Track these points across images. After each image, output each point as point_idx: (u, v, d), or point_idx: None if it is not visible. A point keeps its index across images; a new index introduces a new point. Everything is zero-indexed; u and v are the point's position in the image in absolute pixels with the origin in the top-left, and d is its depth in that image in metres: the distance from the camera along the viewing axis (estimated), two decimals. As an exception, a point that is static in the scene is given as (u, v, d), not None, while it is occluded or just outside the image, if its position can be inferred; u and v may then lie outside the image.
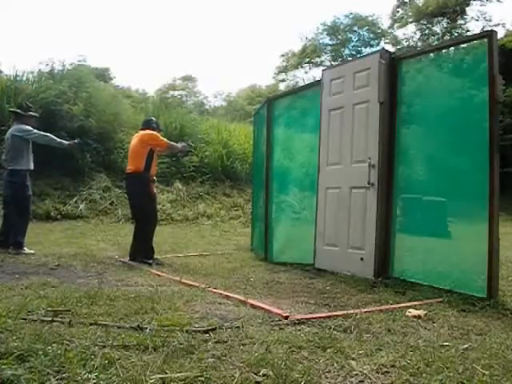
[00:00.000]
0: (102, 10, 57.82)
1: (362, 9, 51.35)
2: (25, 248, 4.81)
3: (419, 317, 2.51)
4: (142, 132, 4.85)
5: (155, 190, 4.92)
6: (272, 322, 2.34)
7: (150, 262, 4.45)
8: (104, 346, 1.79)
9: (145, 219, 4.67)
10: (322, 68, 5.42)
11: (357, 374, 1.66)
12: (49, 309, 2.38)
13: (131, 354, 1.74)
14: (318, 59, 28.81)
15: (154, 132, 4.79)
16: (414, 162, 3.74)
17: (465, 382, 1.59)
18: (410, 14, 24.05)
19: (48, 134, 5.09)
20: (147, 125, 4.92)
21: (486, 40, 3.08)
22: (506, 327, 2.37)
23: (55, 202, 8.75)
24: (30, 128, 4.97)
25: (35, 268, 3.99)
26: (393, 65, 3.78)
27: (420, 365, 1.73)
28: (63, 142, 5.23)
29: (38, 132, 5.06)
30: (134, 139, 4.88)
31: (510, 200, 11.82)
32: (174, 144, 5.16)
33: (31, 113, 5.14)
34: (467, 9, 22.52)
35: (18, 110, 5.19)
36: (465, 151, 3.30)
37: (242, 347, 1.90)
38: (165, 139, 4.91)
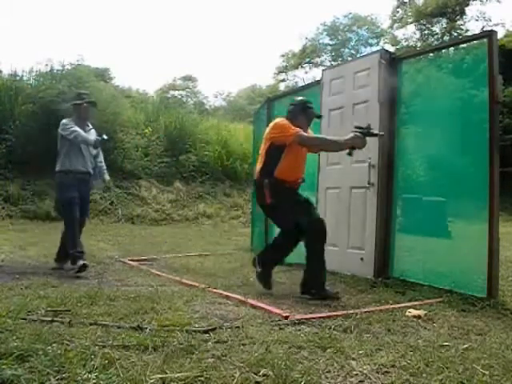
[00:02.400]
0: (101, 9, 57.84)
1: (361, 9, 51.43)
2: (80, 261, 3.85)
3: (419, 317, 2.51)
4: None
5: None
6: (272, 322, 2.34)
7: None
8: (104, 346, 1.79)
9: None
10: (321, 68, 5.43)
11: (357, 374, 1.66)
12: (49, 309, 2.38)
13: (131, 354, 1.74)
14: (317, 59, 28.84)
15: (283, 120, 3.31)
16: (414, 162, 3.74)
17: (465, 382, 1.59)
18: (409, 14, 24.04)
19: (76, 130, 4.09)
20: (288, 112, 3.44)
21: (485, 40, 3.08)
22: (506, 327, 2.37)
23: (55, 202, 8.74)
24: (65, 121, 4.15)
25: (35, 268, 4.00)
26: (393, 65, 3.78)
27: (420, 365, 1.73)
28: (89, 140, 4.23)
29: (70, 128, 4.10)
30: None
31: (510, 200, 11.83)
32: (323, 138, 3.63)
33: (77, 101, 4.26)
34: (467, 9, 22.55)
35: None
36: (465, 151, 3.30)
37: (241, 347, 1.90)
38: (299, 132, 3.21)
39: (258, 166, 3.36)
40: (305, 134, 3.24)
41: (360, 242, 3.90)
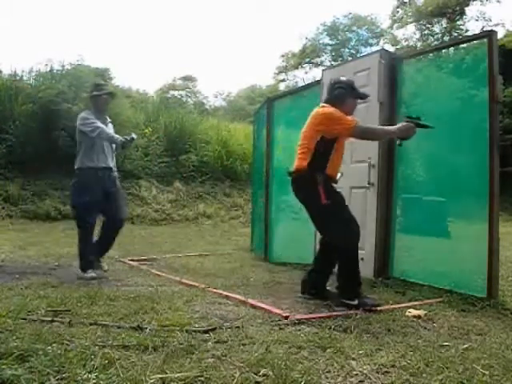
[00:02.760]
0: (101, 9, 57.84)
1: (361, 9, 51.44)
2: (88, 271, 3.61)
3: (419, 317, 2.51)
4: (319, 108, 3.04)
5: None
6: (272, 321, 2.34)
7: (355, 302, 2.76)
8: (104, 346, 1.79)
9: (334, 240, 2.95)
10: (321, 68, 5.43)
11: (357, 374, 1.66)
12: (49, 309, 2.38)
13: (131, 354, 1.74)
14: (317, 59, 28.82)
15: (332, 109, 2.91)
16: (414, 161, 3.74)
17: (465, 382, 1.59)
18: (409, 14, 24.04)
19: (100, 125, 3.73)
20: (329, 93, 3.08)
21: (485, 40, 3.08)
22: (506, 327, 2.37)
23: (55, 202, 8.73)
24: (85, 115, 3.79)
25: (35, 268, 4.00)
26: (393, 65, 3.78)
27: (420, 365, 1.73)
28: (115, 138, 3.80)
29: (92, 123, 3.71)
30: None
31: (510, 200, 11.83)
32: (374, 127, 3.25)
33: (95, 93, 3.88)
34: (467, 9, 22.53)
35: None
36: (465, 151, 3.30)
37: (241, 347, 1.90)
38: (351, 120, 2.88)
39: (303, 160, 2.90)
40: (362, 124, 2.88)
41: (360, 242, 3.88)
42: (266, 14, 59.78)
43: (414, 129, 2.83)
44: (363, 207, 3.87)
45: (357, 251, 2.86)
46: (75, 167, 3.84)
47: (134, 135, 3.83)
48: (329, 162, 2.89)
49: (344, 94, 2.95)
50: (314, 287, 3.06)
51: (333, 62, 25.91)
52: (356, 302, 2.73)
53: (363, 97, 3.11)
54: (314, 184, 2.83)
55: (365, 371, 1.68)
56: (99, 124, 3.72)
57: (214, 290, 3.13)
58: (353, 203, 4.00)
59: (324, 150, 2.87)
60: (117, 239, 4.05)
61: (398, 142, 2.98)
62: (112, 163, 3.91)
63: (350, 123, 2.81)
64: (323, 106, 2.98)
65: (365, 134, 2.95)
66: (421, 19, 23.32)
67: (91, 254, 3.72)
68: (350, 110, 2.96)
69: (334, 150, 2.89)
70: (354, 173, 3.97)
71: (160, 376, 1.53)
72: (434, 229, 3.53)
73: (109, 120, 3.99)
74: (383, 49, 4.37)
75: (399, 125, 2.87)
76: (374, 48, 24.54)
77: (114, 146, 3.94)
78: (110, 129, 3.91)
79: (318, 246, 3.25)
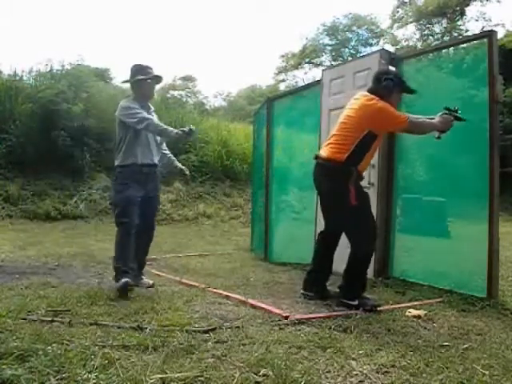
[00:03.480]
0: (101, 9, 57.80)
1: (361, 9, 51.41)
2: (123, 278, 2.97)
3: (419, 317, 2.51)
4: (364, 97, 2.87)
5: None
6: (272, 321, 2.34)
7: (356, 303, 2.73)
8: (104, 346, 1.80)
9: (355, 241, 2.88)
10: (321, 68, 5.44)
11: (357, 374, 1.66)
12: (49, 309, 2.38)
13: (131, 354, 1.75)
14: (317, 59, 28.82)
15: (381, 102, 2.76)
16: (414, 162, 3.74)
17: (465, 382, 1.59)
18: (409, 14, 24.04)
19: (147, 116, 3.26)
20: (376, 82, 2.91)
21: (485, 40, 3.08)
22: (506, 327, 2.37)
23: (55, 202, 8.73)
24: (127, 104, 3.29)
25: (35, 268, 3.99)
26: (393, 65, 3.78)
27: (420, 365, 1.74)
28: (168, 131, 3.24)
29: (137, 113, 3.22)
30: (349, 107, 2.94)
31: (510, 200, 11.83)
32: (423, 121, 2.96)
33: (140, 76, 3.32)
34: (467, 9, 22.54)
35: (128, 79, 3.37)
36: (465, 151, 3.30)
37: (241, 347, 1.90)
38: (401, 115, 2.83)
39: (341, 151, 2.74)
40: (412, 118, 2.77)
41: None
42: (266, 14, 59.78)
43: (453, 121, 2.75)
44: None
45: (371, 256, 2.84)
46: (116, 164, 3.32)
47: (192, 127, 3.23)
48: (364, 159, 2.79)
49: (393, 87, 2.83)
50: (314, 287, 3.05)
51: (333, 62, 25.90)
52: (356, 303, 2.71)
53: (411, 92, 3.00)
54: (347, 180, 2.72)
55: (365, 371, 1.68)
56: (146, 114, 3.25)
57: (214, 290, 3.13)
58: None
59: (365, 145, 2.75)
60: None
61: (436, 135, 2.79)
62: (156, 159, 3.42)
63: (404, 119, 2.73)
64: (371, 98, 2.79)
65: (415, 129, 2.83)
66: (421, 19, 23.32)
67: (127, 260, 3.12)
68: (395, 103, 2.86)
69: (372, 147, 2.81)
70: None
71: (160, 376, 1.53)
72: (434, 229, 3.53)
73: (152, 109, 3.52)
74: (383, 49, 4.37)
75: (439, 117, 2.76)
76: (374, 48, 24.56)
77: (158, 139, 3.46)
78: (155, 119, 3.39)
79: (317, 239, 3.17)
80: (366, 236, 2.81)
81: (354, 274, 2.84)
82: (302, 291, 3.08)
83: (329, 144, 2.87)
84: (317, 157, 2.93)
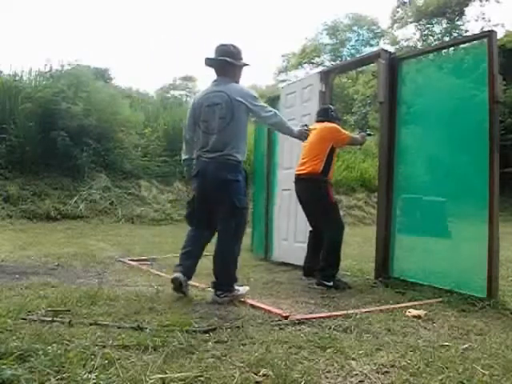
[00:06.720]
0: (101, 10, 57.82)
1: (361, 9, 51.41)
2: (237, 288, 2.91)
3: (419, 317, 2.51)
4: (320, 125, 3.76)
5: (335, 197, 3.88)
6: (272, 322, 2.34)
7: (330, 284, 3.43)
8: (104, 346, 1.80)
9: (329, 230, 3.61)
10: (321, 68, 5.48)
11: (357, 374, 1.66)
12: (49, 309, 2.38)
13: (131, 354, 1.75)
14: (317, 59, 28.80)
15: (334, 124, 3.75)
16: (414, 162, 3.74)
17: (465, 382, 1.59)
18: (409, 14, 24.02)
19: (275, 111, 3.00)
20: (325, 115, 3.86)
21: (485, 40, 3.08)
22: (506, 327, 2.37)
23: (55, 202, 8.72)
24: (251, 92, 2.94)
25: (35, 268, 3.99)
26: (392, 65, 3.78)
27: (420, 365, 1.73)
28: (291, 128, 3.05)
29: (266, 106, 2.99)
30: (312, 135, 3.50)
31: (510, 200, 11.84)
32: (355, 136, 3.99)
33: (244, 61, 3.03)
34: (467, 9, 22.52)
35: (228, 59, 2.93)
36: (465, 151, 3.30)
37: (241, 347, 1.90)
38: (346, 132, 3.91)
39: (316, 165, 3.65)
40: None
41: (360, 242, 3.90)
42: (265, 14, 59.81)
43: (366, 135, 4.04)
44: (363, 207, 3.88)
45: (342, 243, 3.63)
46: (239, 159, 2.87)
47: (308, 125, 3.22)
48: (331, 168, 3.72)
49: (334, 115, 3.92)
50: (310, 271, 3.76)
51: (332, 62, 25.87)
52: (331, 284, 3.40)
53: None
54: (324, 186, 3.66)
55: (365, 371, 1.68)
56: (272, 109, 2.99)
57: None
58: (353, 203, 4.01)
59: (330, 156, 3.69)
60: (116, 239, 4.03)
61: (358, 147, 4.10)
62: None
63: (347, 134, 3.88)
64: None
65: (353, 142, 4.00)
66: (421, 19, 23.30)
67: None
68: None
69: (333, 156, 3.74)
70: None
71: (160, 376, 1.53)
72: (434, 229, 3.53)
73: None
74: (383, 49, 4.37)
75: (359, 133, 4.13)
76: (374, 48, 24.53)
77: None
78: None
79: (310, 235, 3.95)
80: (341, 226, 3.67)
81: (331, 258, 3.52)
82: (303, 277, 3.85)
83: (304, 162, 3.75)
84: (298, 176, 3.77)
